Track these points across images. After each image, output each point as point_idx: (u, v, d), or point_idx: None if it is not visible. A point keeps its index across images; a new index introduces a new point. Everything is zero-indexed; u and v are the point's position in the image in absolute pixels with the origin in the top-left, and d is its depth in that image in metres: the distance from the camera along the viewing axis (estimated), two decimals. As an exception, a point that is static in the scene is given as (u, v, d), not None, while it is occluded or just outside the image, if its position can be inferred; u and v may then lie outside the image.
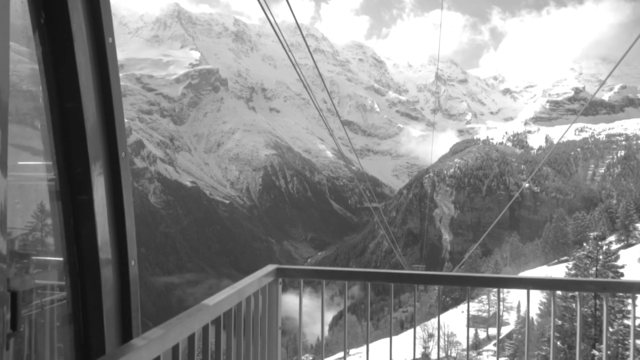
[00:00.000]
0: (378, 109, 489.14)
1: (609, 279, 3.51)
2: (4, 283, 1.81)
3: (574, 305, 25.38)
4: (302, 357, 42.51)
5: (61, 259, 2.31)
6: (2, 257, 1.78)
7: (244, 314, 3.02)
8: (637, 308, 2.97)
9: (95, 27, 2.37)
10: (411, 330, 50.91)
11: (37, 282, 2.19)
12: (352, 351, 49.75)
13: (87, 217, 2.32)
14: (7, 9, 1.82)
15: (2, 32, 1.80)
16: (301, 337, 4.61)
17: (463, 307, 61.24)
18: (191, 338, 2.35)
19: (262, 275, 3.32)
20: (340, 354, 47.22)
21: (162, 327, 2.20)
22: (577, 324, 3.64)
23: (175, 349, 2.20)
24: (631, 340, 3.29)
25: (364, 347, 49.06)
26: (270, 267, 3.54)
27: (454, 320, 49.89)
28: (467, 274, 3.64)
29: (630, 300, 3.32)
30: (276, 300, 3.55)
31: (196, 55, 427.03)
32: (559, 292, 26.65)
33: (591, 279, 3.87)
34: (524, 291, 3.45)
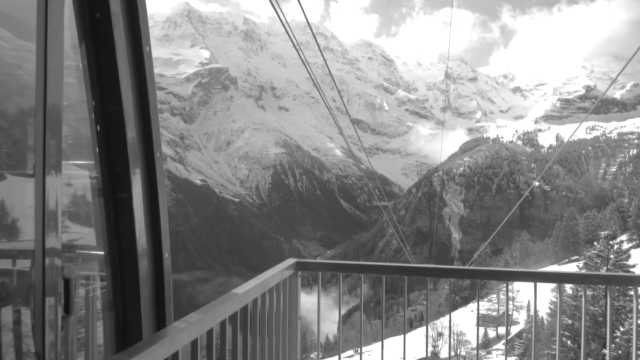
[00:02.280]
0: (387, 108, 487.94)
1: (614, 273, 3.50)
2: (59, 271, 1.99)
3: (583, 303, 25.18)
4: (312, 356, 42.55)
5: (102, 253, 2.49)
6: (57, 250, 1.96)
7: (268, 304, 3.19)
8: None
9: (134, 38, 2.57)
10: (420, 329, 50.82)
11: (81, 273, 2.38)
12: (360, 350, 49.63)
13: (127, 213, 2.50)
14: (62, 24, 2.00)
15: (57, 46, 1.96)
16: (319, 332, 4.78)
17: (472, 306, 61.08)
18: (223, 323, 2.53)
19: (283, 268, 3.50)
20: (349, 352, 47.24)
21: (199, 312, 2.38)
22: (582, 317, 3.73)
23: (210, 332, 2.38)
24: (634, 333, 3.47)
25: (373, 345, 49.08)
26: (291, 261, 3.72)
27: (464, 319, 49.78)
28: (478, 268, 3.82)
29: None
30: (296, 292, 3.75)
31: (206, 54, 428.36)
32: (569, 292, 26.56)
33: (596, 272, 4.06)
34: (534, 290, 3.61)
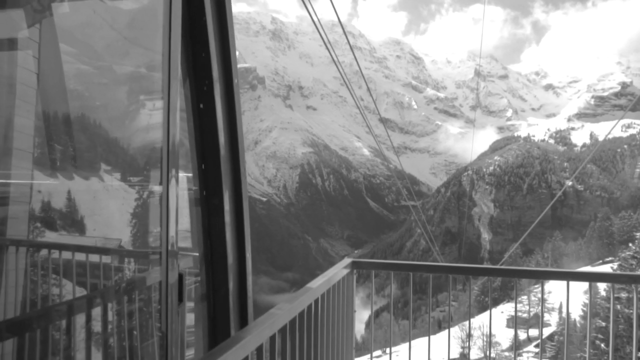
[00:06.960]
0: (415, 106, 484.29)
1: None
2: (177, 268, 2.41)
3: (618, 307, 24.69)
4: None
5: (196, 254, 2.91)
6: (175, 251, 2.39)
7: (331, 298, 3.55)
8: None
9: (226, 74, 3.02)
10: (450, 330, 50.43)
11: (181, 269, 2.68)
12: (388, 350, 49.46)
13: (218, 218, 2.93)
14: (178, 80, 2.38)
15: (174, 79, 2.28)
16: (372, 328, 5.41)
17: (502, 307, 60.33)
18: (302, 313, 2.86)
19: (342, 266, 3.87)
20: (377, 352, 47.18)
21: (286, 302, 2.74)
22: (610, 316, 3.90)
23: (293, 320, 2.72)
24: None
25: (401, 345, 48.89)
26: (347, 260, 4.08)
27: (493, 321, 49.04)
28: (517, 268, 4.07)
29: None
30: (352, 288, 4.14)
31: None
32: (602, 294, 26.02)
33: (626, 272, 4.32)
34: (565, 291, 3.84)
